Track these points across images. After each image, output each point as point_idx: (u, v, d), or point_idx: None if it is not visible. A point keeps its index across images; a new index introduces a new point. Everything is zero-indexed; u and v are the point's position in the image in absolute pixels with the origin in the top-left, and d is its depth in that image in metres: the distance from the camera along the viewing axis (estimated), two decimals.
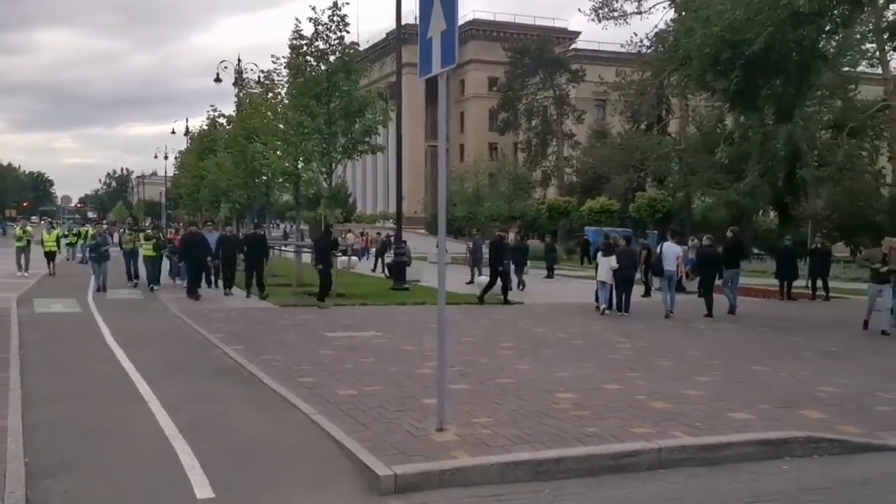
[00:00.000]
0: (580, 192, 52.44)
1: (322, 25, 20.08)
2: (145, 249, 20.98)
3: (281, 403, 7.77)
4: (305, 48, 20.29)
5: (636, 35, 44.13)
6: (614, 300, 17.34)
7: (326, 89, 20.13)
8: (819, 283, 22.51)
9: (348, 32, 20.31)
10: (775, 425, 7.01)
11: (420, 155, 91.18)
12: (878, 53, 33.05)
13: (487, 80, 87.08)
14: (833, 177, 36.28)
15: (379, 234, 40.49)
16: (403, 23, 22.53)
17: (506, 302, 18.87)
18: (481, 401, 7.82)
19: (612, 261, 16.87)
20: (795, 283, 22.37)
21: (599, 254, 17.21)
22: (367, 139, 20.63)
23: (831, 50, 18.17)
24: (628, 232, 28.59)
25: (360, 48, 21.96)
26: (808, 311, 19.13)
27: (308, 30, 20.23)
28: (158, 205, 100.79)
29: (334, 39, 20.20)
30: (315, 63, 20.31)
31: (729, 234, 19.64)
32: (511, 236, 18.52)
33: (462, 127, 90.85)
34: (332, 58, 20.28)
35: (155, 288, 19.92)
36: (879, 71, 40.49)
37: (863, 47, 35.69)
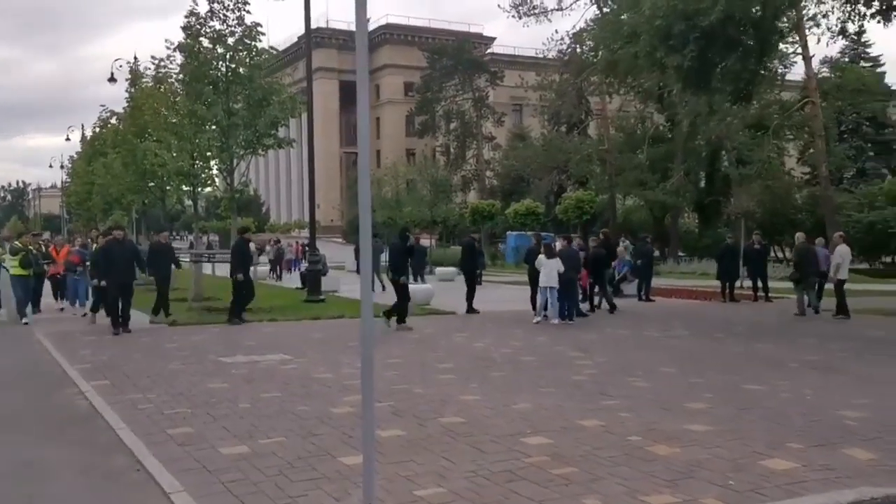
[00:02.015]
0: (502, 195, 50.90)
1: (217, 3, 17.57)
2: (13, 268, 15.50)
3: (134, 475, 5.39)
4: (199, 28, 17.71)
5: (556, 32, 42.94)
6: (551, 307, 15.50)
7: (225, 75, 17.63)
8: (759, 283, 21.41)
9: (249, 13, 17.89)
10: (830, 478, 5.11)
11: (335, 161, 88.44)
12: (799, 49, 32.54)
13: (403, 85, 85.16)
14: (759, 175, 35.74)
15: (277, 241, 37.88)
16: (314, 26, 20.23)
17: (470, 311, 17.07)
18: (425, 457, 5.65)
19: (559, 264, 15.05)
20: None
21: (541, 257, 15.32)
22: (273, 132, 18.16)
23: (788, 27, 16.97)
24: (549, 237, 26.97)
25: (272, 52, 19.43)
26: (757, 314, 17.73)
27: (202, 8, 17.69)
28: (58, 218, 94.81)
29: (232, 20, 17.72)
30: (211, 46, 17.76)
31: (601, 235, 20.23)
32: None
33: (378, 133, 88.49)
34: (230, 40, 17.78)
35: (27, 321, 15.16)
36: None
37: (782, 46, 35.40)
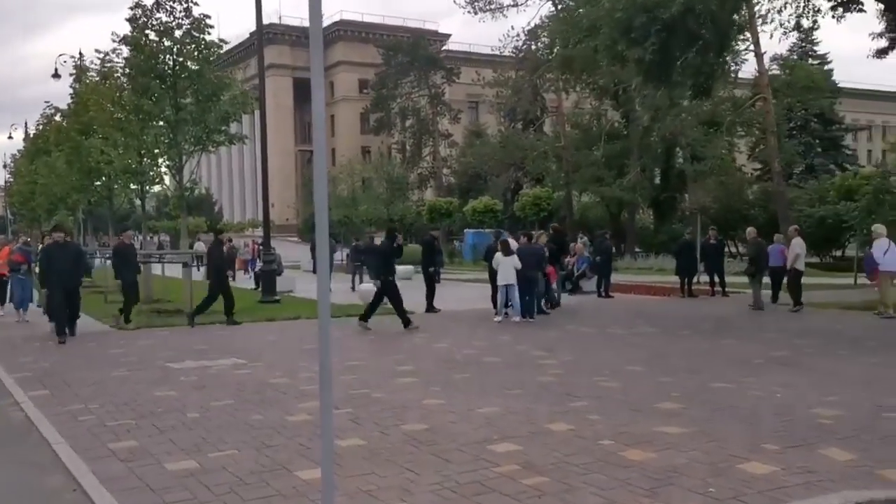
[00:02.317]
0: (459, 193, 50.64)
1: None
2: None
3: (69, 496, 4.94)
4: (145, 21, 17.03)
5: (512, 28, 42.84)
6: (514, 304, 15.29)
7: (172, 69, 16.98)
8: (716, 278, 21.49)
9: (196, 4, 17.26)
10: (812, 481, 4.90)
11: (290, 159, 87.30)
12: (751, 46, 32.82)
13: (358, 83, 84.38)
14: (714, 171, 36.06)
15: (229, 241, 36.98)
16: (267, 21, 19.65)
17: (430, 309, 16.73)
18: (387, 469, 5.29)
19: (516, 261, 14.77)
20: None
21: (498, 254, 15.02)
22: (223, 128, 17.57)
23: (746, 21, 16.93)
24: (502, 233, 26.71)
25: (223, 48, 18.72)
26: (717, 309, 17.72)
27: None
28: (2, 218, 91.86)
29: (179, 11, 17.07)
30: (157, 39, 17.09)
31: (551, 231, 19.85)
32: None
33: (333, 130, 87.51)
34: (178, 33, 17.14)
35: None
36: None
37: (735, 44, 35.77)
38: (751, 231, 19.70)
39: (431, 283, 17.35)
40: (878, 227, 16.82)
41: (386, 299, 14.19)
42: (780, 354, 10.47)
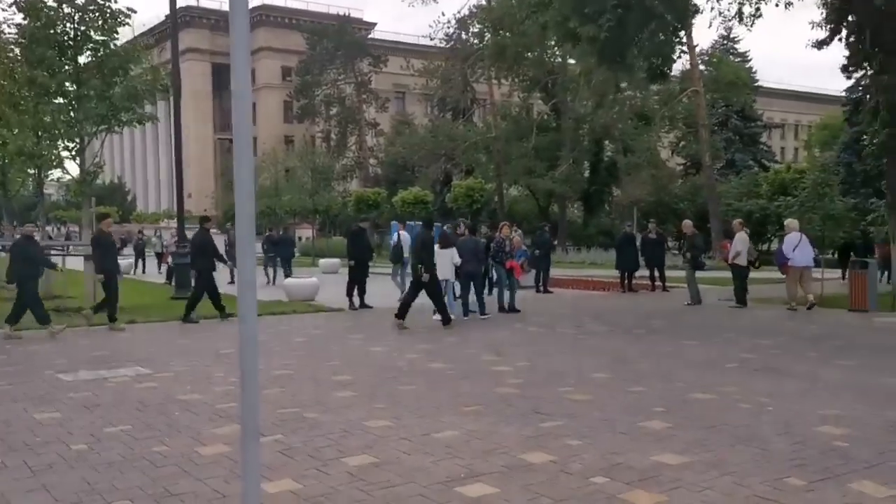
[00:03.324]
0: (386, 183, 49.26)
1: None
2: None
3: None
4: None
5: (443, 15, 41.75)
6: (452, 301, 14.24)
7: (73, 38, 15.17)
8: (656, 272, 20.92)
9: None
10: None
11: (208, 148, 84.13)
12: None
13: (281, 70, 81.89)
14: (649, 163, 35.87)
15: (140, 232, 35.07)
16: (183, 4, 17.92)
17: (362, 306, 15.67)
18: None
19: (455, 254, 13.62)
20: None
21: (436, 247, 13.84)
22: (131, 105, 15.82)
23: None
24: (398, 223, 25.52)
25: (138, 32, 16.94)
26: (661, 305, 17.07)
27: None
28: None
29: None
30: (56, 4, 15.23)
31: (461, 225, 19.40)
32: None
33: (254, 118, 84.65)
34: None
35: None
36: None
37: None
38: (688, 224, 19.19)
39: (363, 277, 16.06)
40: (791, 222, 16.56)
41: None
42: (748, 357, 9.65)
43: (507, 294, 15.23)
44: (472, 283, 14.25)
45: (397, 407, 6.81)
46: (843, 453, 5.34)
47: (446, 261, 13.95)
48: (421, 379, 8.21)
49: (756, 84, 59.29)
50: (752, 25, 16.08)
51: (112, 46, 15.68)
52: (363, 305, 15.74)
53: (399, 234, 18.04)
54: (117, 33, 15.74)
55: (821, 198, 17.97)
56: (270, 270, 23.82)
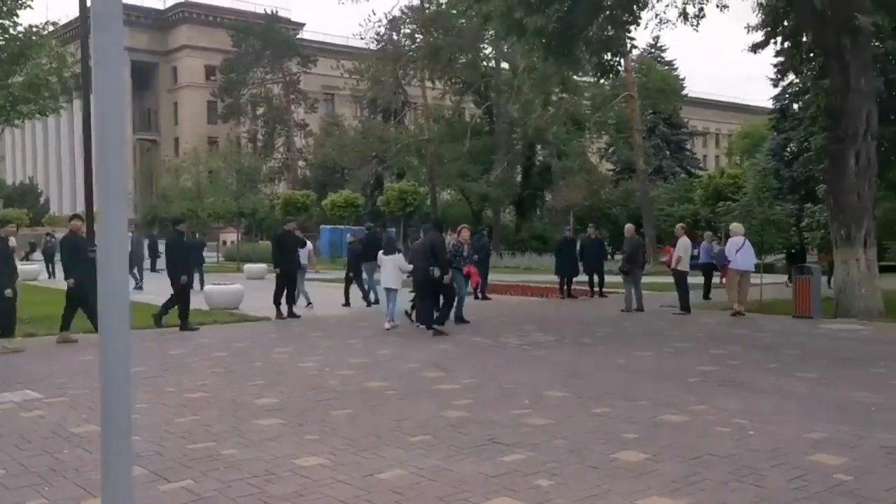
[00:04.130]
0: (315, 186, 47.88)
1: None
2: None
3: None
4: None
5: (374, 14, 40.70)
6: (390, 309, 13.33)
7: None
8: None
9: None
10: None
11: (126, 148, 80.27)
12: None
13: (204, 69, 79.08)
14: (580, 168, 35.65)
15: (48, 235, 33.12)
16: None
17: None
18: None
19: (400, 261, 12.80)
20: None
21: (380, 253, 12.93)
22: (32, 96, 14.36)
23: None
24: (357, 231, 24.56)
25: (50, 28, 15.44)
26: (602, 312, 16.52)
27: None
28: None
29: None
30: None
31: (365, 229, 19.92)
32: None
33: (176, 118, 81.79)
34: None
35: None
36: None
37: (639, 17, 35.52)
38: (629, 228, 18.75)
39: (292, 283, 14.98)
40: (736, 226, 16.37)
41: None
42: (708, 369, 9.04)
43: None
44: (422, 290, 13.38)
45: (332, 438, 5.86)
46: (849, 490, 4.65)
47: (391, 268, 13.11)
48: (357, 401, 7.26)
49: (684, 91, 60.24)
50: (697, 26, 15.78)
51: (11, 32, 14.19)
52: (291, 314, 14.67)
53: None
54: (17, 16, 14.26)
55: (760, 202, 17.77)
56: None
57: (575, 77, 33.26)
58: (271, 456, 5.36)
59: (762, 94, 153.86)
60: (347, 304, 17.09)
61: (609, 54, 13.34)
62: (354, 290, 17.20)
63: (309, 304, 16.51)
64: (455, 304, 13.52)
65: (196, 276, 22.32)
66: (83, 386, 8.00)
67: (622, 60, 22.92)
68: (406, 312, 13.76)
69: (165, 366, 9.36)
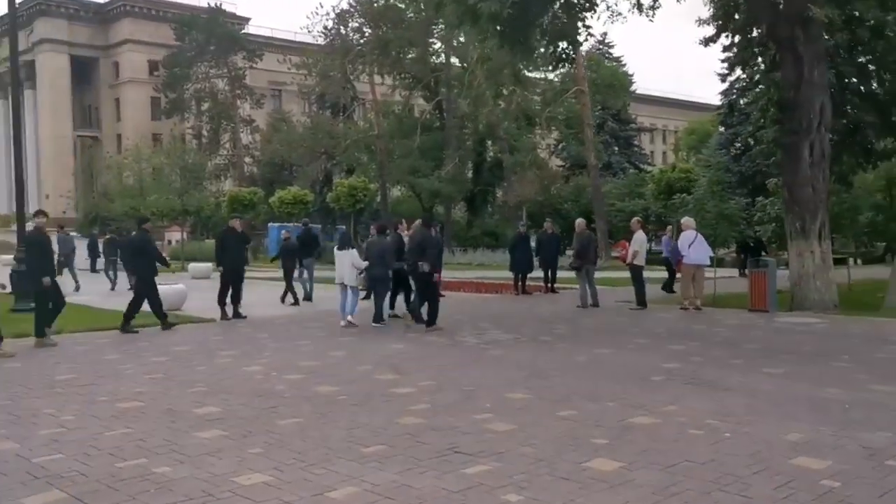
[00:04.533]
0: (262, 183, 46.79)
1: None
2: None
3: None
4: None
5: (321, 6, 39.91)
6: (347, 305, 12.94)
7: None
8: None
9: None
10: None
11: (66, 145, 77.96)
12: None
13: (147, 64, 76.83)
14: (534, 163, 35.44)
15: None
16: None
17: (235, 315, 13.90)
18: None
19: (355, 257, 12.45)
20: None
21: (335, 249, 12.59)
22: None
23: None
24: (291, 228, 24.11)
25: None
26: (557, 308, 16.26)
27: None
28: None
29: None
30: None
31: (301, 223, 20.20)
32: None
33: (118, 115, 79.44)
34: None
35: None
36: None
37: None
38: (580, 223, 18.51)
39: (238, 282, 14.33)
40: (687, 220, 16.30)
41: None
42: (671, 367, 8.74)
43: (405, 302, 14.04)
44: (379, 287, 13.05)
45: (278, 451, 5.34)
46: (841, 498, 4.34)
47: (346, 263, 12.71)
48: (306, 408, 6.75)
49: (632, 87, 60.68)
50: (652, 17, 15.57)
51: None
52: (237, 315, 14.02)
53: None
54: None
55: (713, 196, 17.69)
56: (112, 274, 22.13)
57: (526, 72, 33.09)
58: (209, 474, 4.83)
59: (708, 91, 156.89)
60: (296, 301, 16.77)
61: (564, 43, 13.03)
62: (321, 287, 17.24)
63: (295, 301, 16.72)
64: (411, 299, 13.30)
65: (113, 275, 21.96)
66: (2, 397, 7.31)
67: (576, 51, 22.77)
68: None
69: (100, 372, 8.71)
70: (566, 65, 15.72)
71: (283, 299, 16.96)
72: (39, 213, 12.11)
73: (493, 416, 6.37)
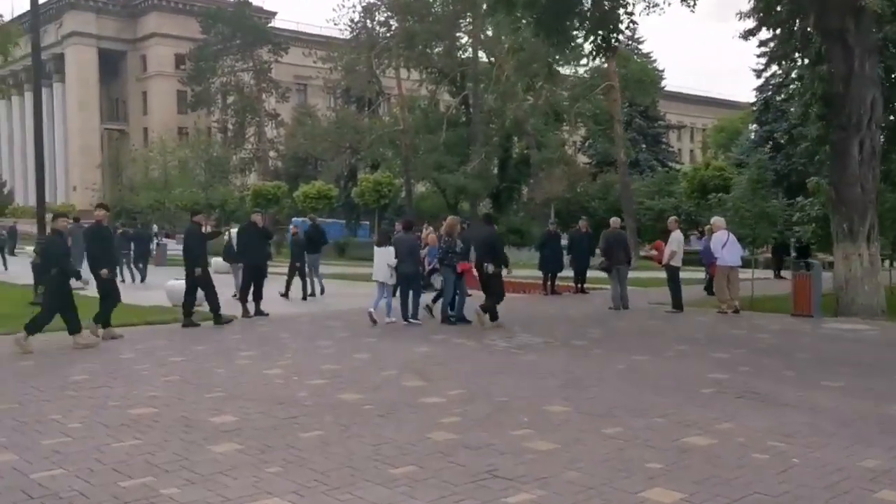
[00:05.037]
0: (287, 177, 46.57)
1: None
2: None
3: None
4: None
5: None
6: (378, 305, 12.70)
7: None
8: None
9: None
10: None
11: (94, 138, 78.37)
12: None
13: (174, 57, 76.91)
14: (562, 159, 34.78)
15: (12, 226, 31.92)
16: None
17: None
18: None
19: (391, 254, 12.25)
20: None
21: (375, 246, 12.48)
22: None
23: None
24: (299, 223, 23.73)
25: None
26: (589, 309, 15.69)
27: None
28: None
29: None
30: None
31: (308, 219, 20.33)
32: None
33: (145, 108, 79.69)
34: None
35: None
36: None
37: None
38: (615, 221, 17.91)
39: (259, 279, 13.91)
40: (718, 220, 15.63)
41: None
42: (719, 377, 8.15)
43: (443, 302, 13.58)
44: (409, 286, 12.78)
45: (298, 471, 4.85)
46: None
47: (380, 261, 12.62)
48: (329, 418, 6.26)
49: (662, 83, 59.68)
50: (693, 6, 14.87)
51: None
52: (259, 313, 13.60)
53: (230, 233, 17.08)
54: None
55: (754, 195, 16.98)
56: (125, 269, 21.89)
57: (557, 66, 32.33)
58: (221, 498, 4.35)
59: (736, 90, 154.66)
60: (286, 295, 16.89)
61: (604, 32, 12.42)
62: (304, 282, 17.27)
63: (308, 295, 17.01)
64: (443, 301, 12.99)
65: (133, 270, 21.81)
66: (11, 399, 6.90)
67: (619, 39, 22.15)
68: (427, 307, 13.35)
69: (114, 373, 8.30)
70: (607, 55, 15.08)
71: (286, 294, 16.91)
72: (100, 206, 12.10)
73: (532, 431, 5.84)
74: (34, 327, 9.69)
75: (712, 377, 8.16)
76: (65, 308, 9.89)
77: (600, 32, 12.49)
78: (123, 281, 20.96)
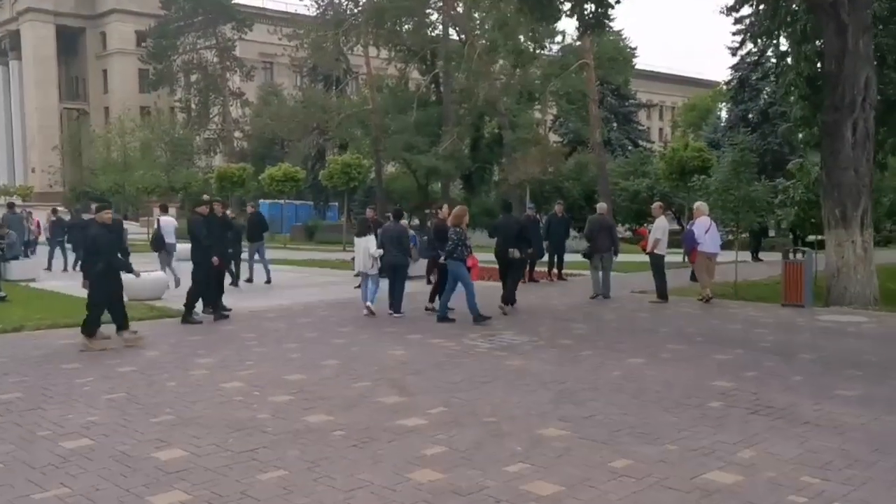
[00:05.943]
0: (253, 159, 45.19)
1: None
2: None
3: None
4: None
5: None
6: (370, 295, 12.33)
7: None
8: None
9: None
10: None
11: (53, 118, 75.81)
12: None
13: (135, 35, 74.56)
14: (535, 140, 33.98)
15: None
16: None
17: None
18: None
19: (371, 244, 11.54)
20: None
21: (354, 236, 11.92)
22: None
23: None
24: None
25: None
26: (571, 299, 14.95)
27: None
28: None
29: None
30: None
31: (249, 208, 20.32)
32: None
33: (106, 87, 77.27)
34: None
35: None
36: None
37: None
38: (601, 207, 17.26)
39: (220, 272, 12.91)
40: (701, 205, 14.99)
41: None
42: (726, 386, 7.43)
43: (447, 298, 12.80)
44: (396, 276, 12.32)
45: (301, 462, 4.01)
46: None
47: (361, 250, 12.29)
48: (293, 452, 5.41)
49: (634, 61, 59.06)
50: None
51: None
52: (221, 313, 12.63)
53: (159, 221, 16.71)
54: None
55: (738, 178, 16.28)
56: (57, 256, 21.25)
57: (531, 44, 31.54)
58: None
59: (706, 69, 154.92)
60: (235, 283, 16.44)
61: (592, 6, 11.63)
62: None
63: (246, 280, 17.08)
64: (447, 295, 12.07)
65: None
66: None
67: (608, 13, 21.25)
68: (426, 308, 12.80)
69: (50, 389, 7.35)
70: (596, 31, 14.26)
71: (235, 283, 16.42)
72: (216, 201, 13.00)
73: (529, 466, 5.06)
74: (87, 330, 9.51)
75: (717, 385, 7.44)
76: (110, 303, 9.63)
77: (587, 7, 11.68)
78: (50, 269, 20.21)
